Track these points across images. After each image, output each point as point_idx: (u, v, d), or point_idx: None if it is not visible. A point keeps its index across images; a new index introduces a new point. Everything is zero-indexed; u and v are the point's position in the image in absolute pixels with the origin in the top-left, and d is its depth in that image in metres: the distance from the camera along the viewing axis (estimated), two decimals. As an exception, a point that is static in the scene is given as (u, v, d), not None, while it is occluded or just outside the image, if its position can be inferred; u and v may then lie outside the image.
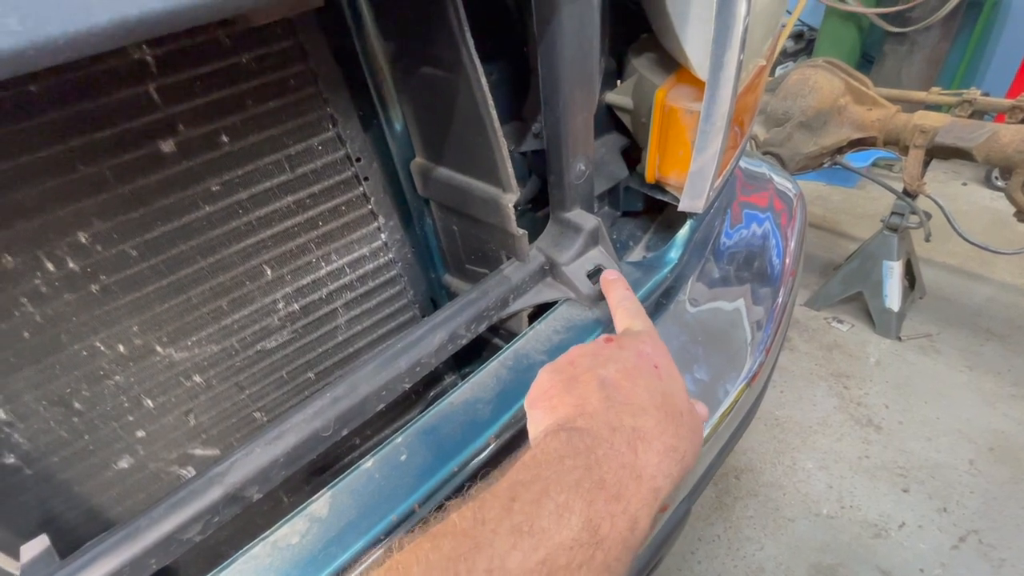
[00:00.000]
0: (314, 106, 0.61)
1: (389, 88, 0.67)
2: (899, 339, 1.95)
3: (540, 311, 0.69)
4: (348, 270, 0.72)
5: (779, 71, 3.00)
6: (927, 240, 1.76)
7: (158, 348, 0.59)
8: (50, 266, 0.50)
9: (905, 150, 1.64)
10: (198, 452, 0.68)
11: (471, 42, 0.53)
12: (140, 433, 0.61)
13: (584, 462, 0.35)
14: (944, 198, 1.77)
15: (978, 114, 1.72)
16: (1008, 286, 2.13)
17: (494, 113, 0.57)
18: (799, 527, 1.46)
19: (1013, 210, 1.61)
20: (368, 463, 0.52)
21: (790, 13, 2.66)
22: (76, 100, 0.46)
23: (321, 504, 0.49)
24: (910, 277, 2.03)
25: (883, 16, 2.64)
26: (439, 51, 0.56)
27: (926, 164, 1.66)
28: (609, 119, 0.80)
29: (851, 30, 2.87)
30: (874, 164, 2.68)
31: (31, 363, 0.51)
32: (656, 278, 0.74)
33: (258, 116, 0.57)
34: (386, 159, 0.72)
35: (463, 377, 0.82)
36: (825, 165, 1.83)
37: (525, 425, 0.45)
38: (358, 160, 0.66)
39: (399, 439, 0.54)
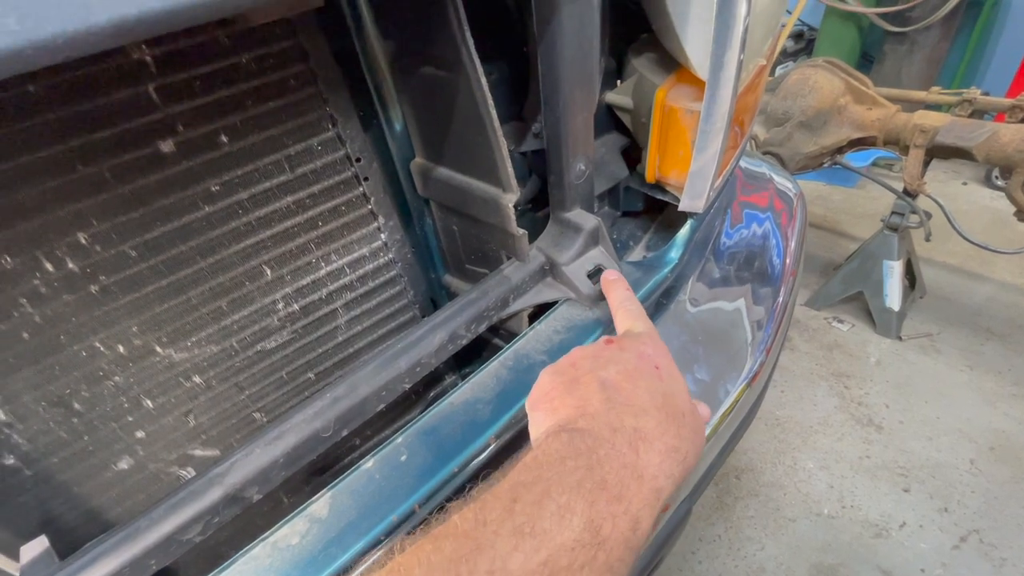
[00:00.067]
0: (314, 106, 0.61)
1: (389, 88, 0.67)
2: (900, 339, 1.95)
3: (540, 311, 0.69)
4: (348, 270, 0.72)
5: (779, 71, 3.00)
6: (927, 240, 1.76)
7: (158, 349, 0.59)
8: (49, 266, 0.50)
9: (905, 150, 1.64)
10: (198, 453, 0.67)
11: (471, 42, 0.53)
12: (140, 434, 0.61)
13: (586, 463, 0.35)
14: (944, 198, 1.77)
15: (978, 113, 1.72)
16: (1008, 285, 2.13)
17: (494, 113, 0.57)
18: (800, 527, 1.46)
19: (1013, 209, 1.61)
20: (368, 463, 0.52)
21: (790, 13, 2.66)
22: (75, 100, 0.46)
23: (321, 505, 0.49)
24: (910, 277, 2.03)
25: (883, 16, 2.64)
26: (439, 51, 0.56)
27: (926, 164, 1.66)
28: (609, 119, 0.80)
29: (851, 30, 2.87)
30: (874, 164, 2.69)
31: (30, 364, 0.51)
32: (656, 278, 0.74)
33: (258, 116, 0.57)
34: (386, 159, 0.72)
35: (463, 377, 0.82)
36: (825, 165, 1.83)
37: (526, 425, 0.45)
38: (358, 160, 0.66)
39: (399, 439, 0.54)
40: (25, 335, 0.50)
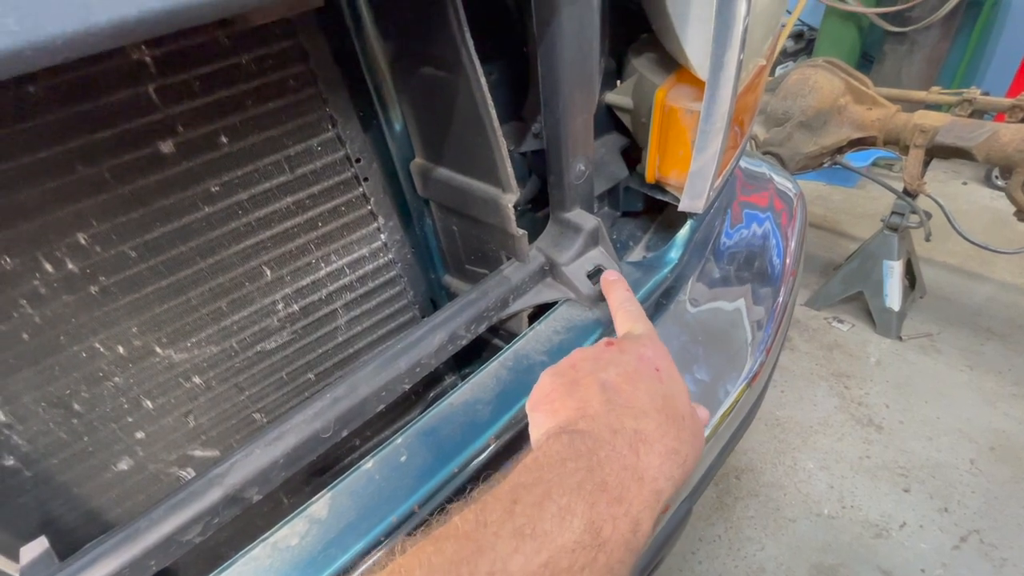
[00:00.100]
0: (314, 107, 0.61)
1: (389, 88, 0.67)
2: (900, 339, 1.95)
3: (540, 311, 0.69)
4: (348, 271, 0.72)
5: (779, 71, 3.00)
6: (927, 239, 1.76)
7: (157, 349, 0.59)
8: (49, 267, 0.49)
9: (905, 150, 1.64)
10: (198, 453, 0.67)
11: (471, 42, 0.53)
12: (140, 434, 0.61)
13: (586, 464, 0.35)
14: (944, 197, 1.77)
15: (978, 113, 1.72)
16: (1008, 285, 2.13)
17: (494, 113, 0.57)
18: (800, 527, 1.46)
19: (1013, 209, 1.61)
20: (368, 464, 0.52)
21: (790, 13, 2.66)
22: (75, 101, 0.46)
23: (321, 505, 0.49)
24: (910, 277, 2.03)
25: (883, 16, 2.64)
26: (439, 51, 0.56)
27: (926, 163, 1.66)
28: (609, 119, 0.80)
29: (851, 30, 2.87)
30: (874, 164, 2.69)
31: (30, 364, 0.51)
32: (656, 278, 0.74)
33: (258, 117, 0.57)
34: (386, 160, 0.72)
35: (463, 378, 0.82)
36: (825, 165, 1.83)
37: (525, 426, 0.45)
38: (358, 161, 0.66)
39: (399, 440, 0.54)
40: (25, 336, 0.50)
